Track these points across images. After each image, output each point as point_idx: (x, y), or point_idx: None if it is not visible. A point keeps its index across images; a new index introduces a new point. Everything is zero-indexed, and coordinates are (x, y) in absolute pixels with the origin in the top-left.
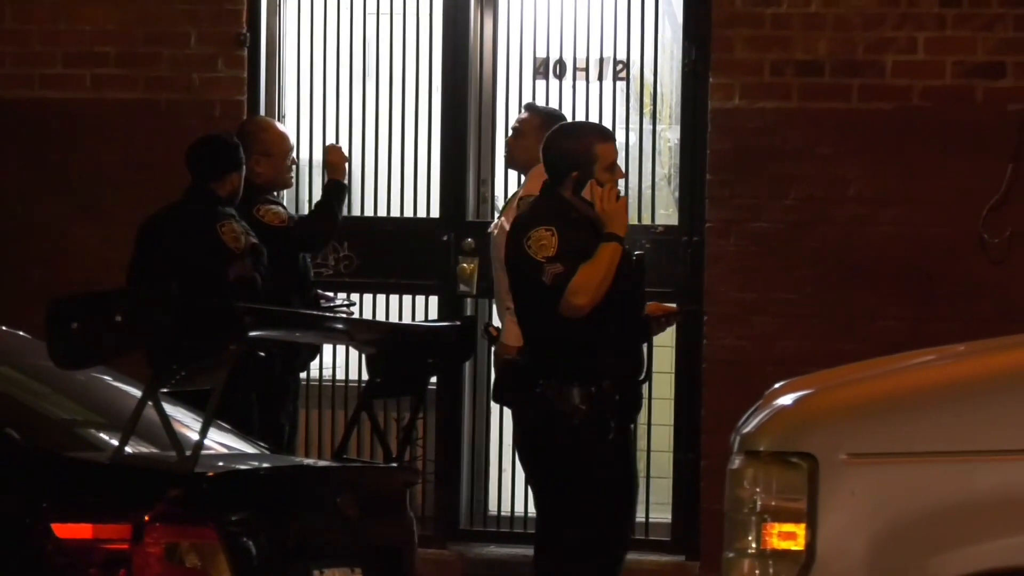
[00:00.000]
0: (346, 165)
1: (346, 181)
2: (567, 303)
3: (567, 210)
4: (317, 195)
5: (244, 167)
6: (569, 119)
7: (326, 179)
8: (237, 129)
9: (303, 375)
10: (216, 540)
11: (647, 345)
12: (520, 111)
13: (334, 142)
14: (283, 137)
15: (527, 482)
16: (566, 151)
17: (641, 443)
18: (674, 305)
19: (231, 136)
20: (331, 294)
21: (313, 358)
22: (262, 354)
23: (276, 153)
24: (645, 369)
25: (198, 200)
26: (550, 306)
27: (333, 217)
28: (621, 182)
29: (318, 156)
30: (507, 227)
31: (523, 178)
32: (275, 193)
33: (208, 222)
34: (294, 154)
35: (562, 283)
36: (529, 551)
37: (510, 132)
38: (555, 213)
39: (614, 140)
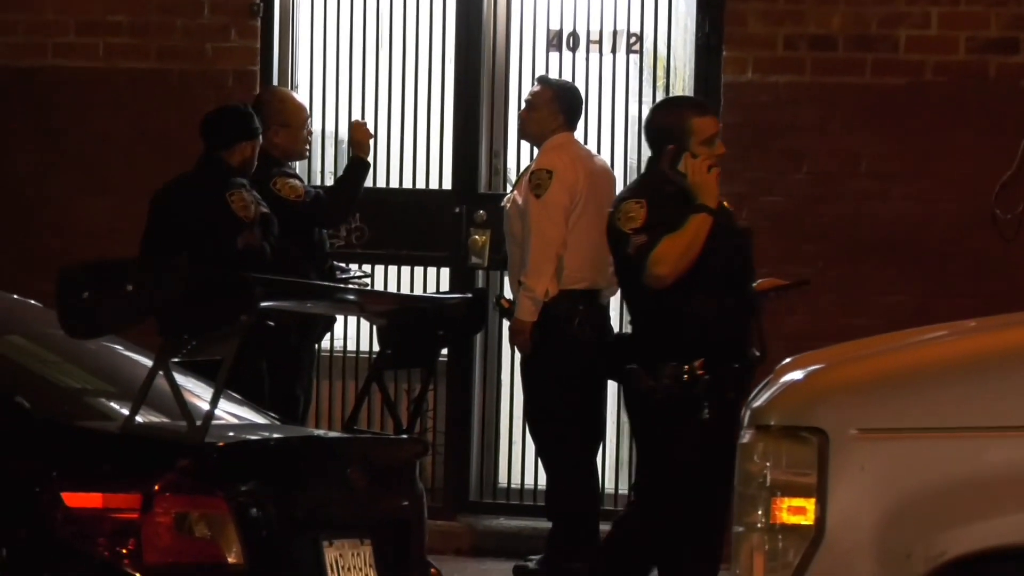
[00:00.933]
0: (371, 142)
1: (370, 159)
2: (649, 273)
3: (662, 183)
4: (330, 166)
5: (259, 137)
6: (582, 92)
7: (350, 155)
8: (254, 99)
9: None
10: (226, 510)
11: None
12: (533, 84)
13: (359, 118)
14: (301, 108)
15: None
16: (663, 124)
17: None
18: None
19: (244, 106)
20: (344, 265)
21: (328, 330)
22: (271, 323)
23: (294, 124)
24: (760, 347)
25: (208, 169)
26: (636, 278)
27: (353, 194)
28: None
29: (331, 127)
30: (520, 201)
31: (536, 151)
32: (291, 165)
33: (217, 191)
34: (310, 125)
35: (645, 253)
36: (538, 523)
37: (523, 105)
38: (650, 186)
39: (713, 114)
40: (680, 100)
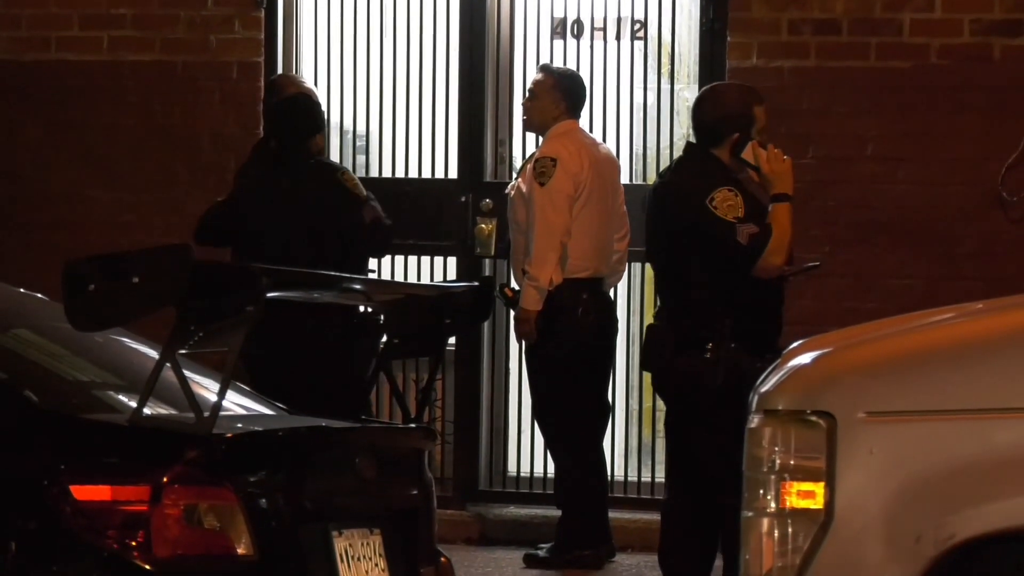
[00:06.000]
0: None
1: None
2: (766, 262)
3: (728, 172)
4: (335, 157)
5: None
6: (587, 79)
7: None
8: (267, 87)
9: None
10: (234, 501)
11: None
12: (535, 72)
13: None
14: (312, 92)
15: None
16: (726, 113)
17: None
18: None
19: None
20: None
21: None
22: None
23: None
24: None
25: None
26: (740, 266)
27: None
28: None
29: (336, 118)
30: (524, 189)
31: (540, 139)
32: None
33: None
34: None
35: (758, 243)
36: (548, 511)
37: (526, 94)
38: (724, 175)
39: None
40: (739, 87)
